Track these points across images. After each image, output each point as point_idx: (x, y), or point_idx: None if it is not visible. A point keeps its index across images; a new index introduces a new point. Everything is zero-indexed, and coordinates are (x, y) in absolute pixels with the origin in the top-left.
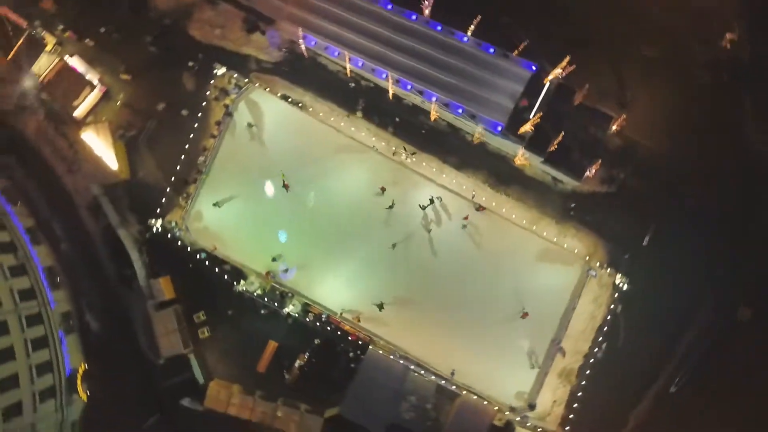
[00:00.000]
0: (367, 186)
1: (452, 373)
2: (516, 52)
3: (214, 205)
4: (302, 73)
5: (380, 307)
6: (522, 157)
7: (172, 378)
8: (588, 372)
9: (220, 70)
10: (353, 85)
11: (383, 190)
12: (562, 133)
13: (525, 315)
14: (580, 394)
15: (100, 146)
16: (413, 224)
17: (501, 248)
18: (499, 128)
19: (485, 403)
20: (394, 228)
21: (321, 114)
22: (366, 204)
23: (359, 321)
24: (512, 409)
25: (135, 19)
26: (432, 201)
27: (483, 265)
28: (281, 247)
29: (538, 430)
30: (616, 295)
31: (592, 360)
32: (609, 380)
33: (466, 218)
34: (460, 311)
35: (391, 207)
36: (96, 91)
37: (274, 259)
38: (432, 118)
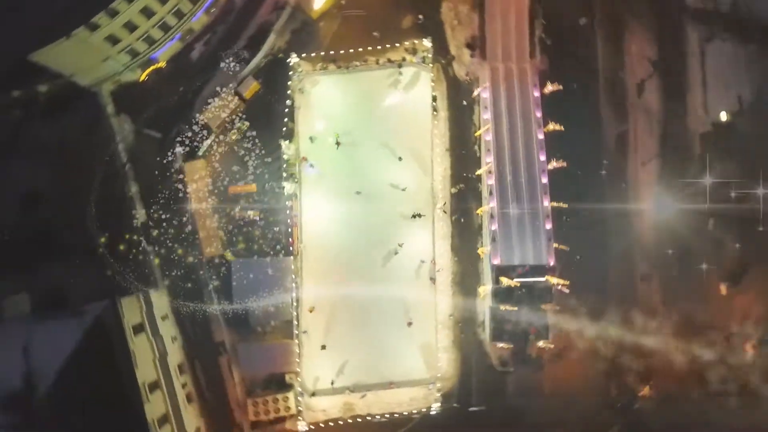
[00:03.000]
0: (397, 184)
1: (304, 332)
2: (557, 245)
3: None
4: (457, 99)
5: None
6: (484, 289)
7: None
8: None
9: (427, 42)
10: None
11: (403, 189)
12: (516, 308)
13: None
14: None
15: None
16: (399, 235)
17: (415, 306)
18: (495, 262)
19: (297, 360)
20: (387, 226)
21: (436, 131)
22: (384, 192)
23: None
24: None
25: None
26: (420, 215)
27: (398, 294)
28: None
29: (299, 408)
30: (424, 410)
31: (368, 419)
32: None
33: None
34: (362, 304)
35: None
36: None
37: (311, 138)
38: (478, 212)
